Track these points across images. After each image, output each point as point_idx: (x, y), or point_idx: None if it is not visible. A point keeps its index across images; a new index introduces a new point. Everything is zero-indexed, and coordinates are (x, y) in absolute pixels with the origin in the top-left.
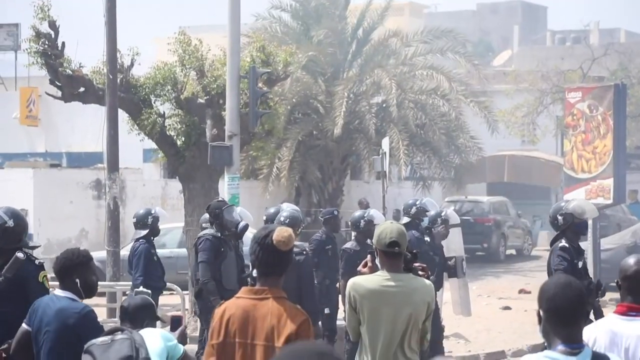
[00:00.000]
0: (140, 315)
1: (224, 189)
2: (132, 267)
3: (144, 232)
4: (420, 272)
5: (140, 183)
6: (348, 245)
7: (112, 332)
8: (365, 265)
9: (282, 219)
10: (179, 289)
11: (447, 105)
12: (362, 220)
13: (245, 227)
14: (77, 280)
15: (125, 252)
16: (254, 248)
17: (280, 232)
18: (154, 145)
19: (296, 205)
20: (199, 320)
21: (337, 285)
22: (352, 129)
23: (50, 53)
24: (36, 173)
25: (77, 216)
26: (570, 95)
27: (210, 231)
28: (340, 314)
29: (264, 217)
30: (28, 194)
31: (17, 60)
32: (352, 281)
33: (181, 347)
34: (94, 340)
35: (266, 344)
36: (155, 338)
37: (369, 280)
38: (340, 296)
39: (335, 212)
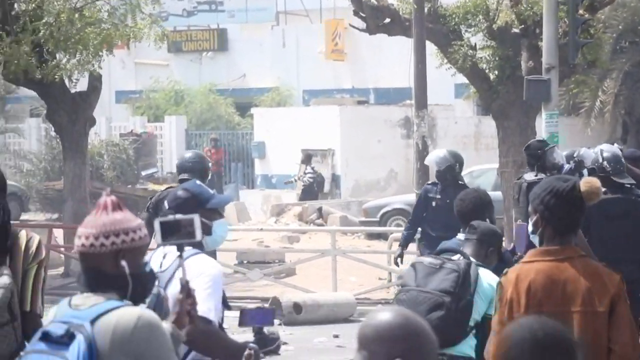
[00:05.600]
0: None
1: (542, 126)
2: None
3: None
4: None
5: (452, 121)
6: None
7: (443, 252)
8: None
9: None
10: None
11: None
12: None
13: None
14: None
15: None
16: (547, 200)
17: (591, 183)
18: (465, 80)
19: (623, 143)
20: None
21: None
22: None
23: None
24: (342, 110)
25: (385, 156)
26: None
27: (530, 175)
28: None
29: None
30: (334, 132)
31: None
32: None
33: None
34: (422, 258)
35: (584, 309)
36: (488, 277)
37: None
38: None
39: None
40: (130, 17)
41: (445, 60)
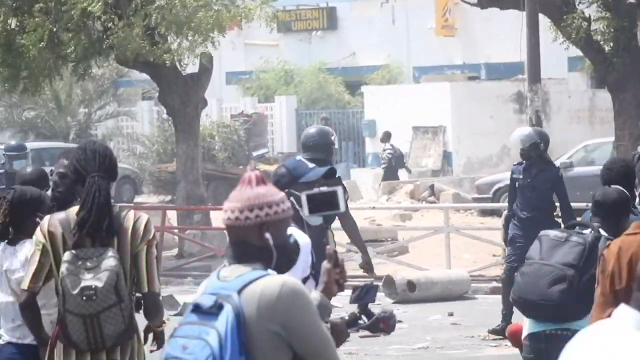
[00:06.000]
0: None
1: None
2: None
3: None
4: None
5: (565, 95)
6: None
7: (574, 226)
8: None
9: None
10: None
11: None
12: None
13: None
14: None
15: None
16: None
17: None
18: (579, 53)
19: None
20: None
21: None
22: None
23: None
24: (453, 87)
25: (497, 132)
26: None
27: None
28: None
29: None
30: (445, 109)
31: None
32: None
33: None
34: (548, 231)
35: None
36: None
37: None
38: None
39: None
40: None
41: (559, 33)
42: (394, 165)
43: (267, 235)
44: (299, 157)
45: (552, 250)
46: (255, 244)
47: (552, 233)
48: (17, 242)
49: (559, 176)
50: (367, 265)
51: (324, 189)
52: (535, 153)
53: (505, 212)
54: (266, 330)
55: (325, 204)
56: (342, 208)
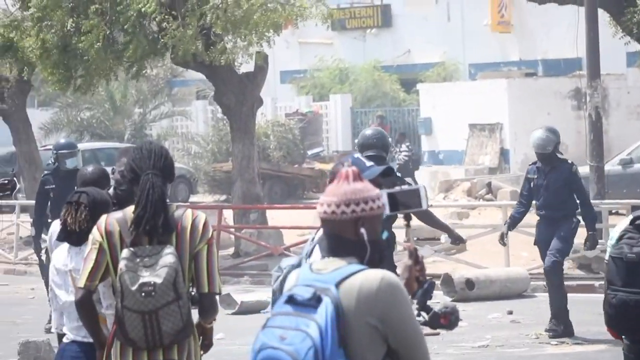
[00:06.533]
0: None
1: None
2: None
3: None
4: None
5: (624, 91)
6: None
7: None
8: None
9: None
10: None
11: None
12: None
13: None
14: None
15: (609, 167)
16: None
17: None
18: (637, 47)
19: None
20: None
21: None
22: None
23: None
24: (510, 83)
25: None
26: None
27: None
28: None
29: None
30: (502, 106)
31: None
32: None
33: None
34: (622, 251)
35: None
36: None
37: None
38: None
39: None
40: None
41: (619, 28)
42: (410, 167)
43: (362, 230)
44: (357, 155)
45: (632, 273)
46: (351, 238)
47: (622, 251)
48: (81, 242)
49: (572, 172)
50: (457, 240)
51: (405, 187)
52: (551, 153)
53: (513, 212)
54: (364, 324)
55: (407, 202)
56: (425, 206)
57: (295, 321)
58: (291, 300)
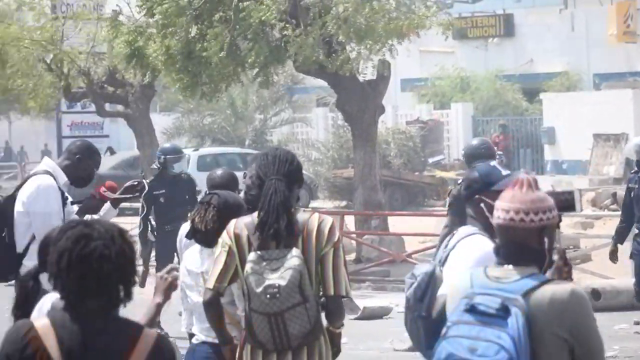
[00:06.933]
0: None
1: None
2: None
3: None
4: None
5: None
6: None
7: None
8: None
9: None
10: None
11: None
12: None
13: None
14: None
15: None
16: None
17: None
18: None
19: None
20: None
21: None
22: None
23: None
24: (636, 94)
25: None
26: None
27: None
28: None
29: None
30: (627, 116)
31: None
32: None
33: None
34: None
35: None
36: None
37: None
38: None
39: None
40: (420, 5)
41: None
42: None
43: (545, 239)
44: (492, 163)
45: None
46: (534, 246)
47: None
48: (207, 242)
49: None
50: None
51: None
52: None
53: (618, 225)
54: (553, 335)
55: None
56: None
57: (480, 331)
58: (473, 309)
